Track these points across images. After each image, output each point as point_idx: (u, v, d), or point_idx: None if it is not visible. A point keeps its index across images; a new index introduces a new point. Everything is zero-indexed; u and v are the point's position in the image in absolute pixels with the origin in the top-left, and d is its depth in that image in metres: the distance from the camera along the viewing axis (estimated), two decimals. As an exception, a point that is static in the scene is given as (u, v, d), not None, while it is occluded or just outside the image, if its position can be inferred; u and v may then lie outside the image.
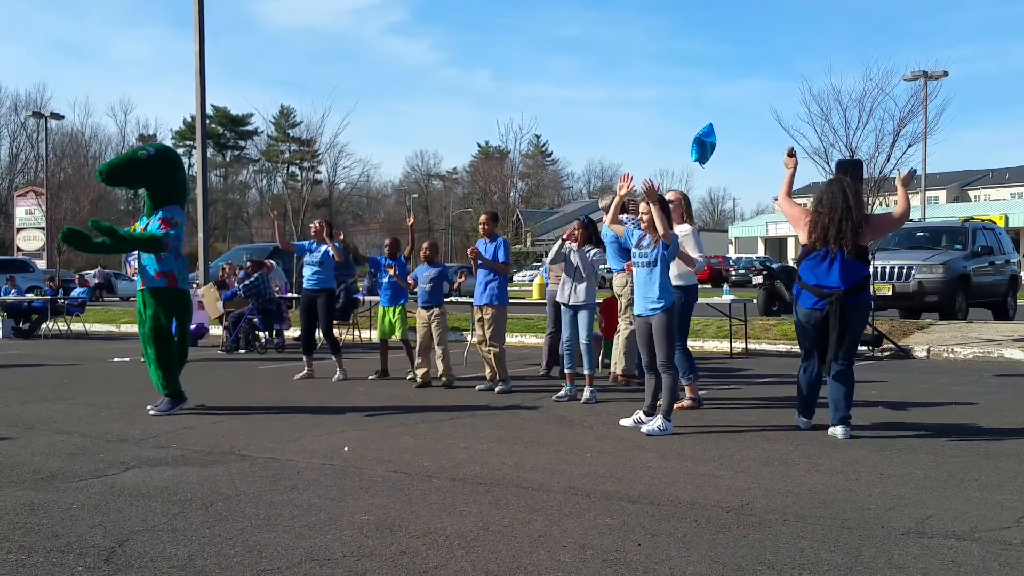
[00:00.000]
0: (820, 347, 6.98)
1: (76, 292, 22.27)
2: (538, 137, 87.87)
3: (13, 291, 21.64)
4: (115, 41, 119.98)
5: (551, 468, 5.82)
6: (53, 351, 15.80)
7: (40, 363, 13.56)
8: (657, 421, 7.06)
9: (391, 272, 10.61)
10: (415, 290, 10.63)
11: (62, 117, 50.33)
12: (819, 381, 7.16)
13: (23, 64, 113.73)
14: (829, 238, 6.78)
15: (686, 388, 8.28)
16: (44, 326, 19.86)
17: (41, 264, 40.62)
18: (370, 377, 11.02)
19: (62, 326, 20.17)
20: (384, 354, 11.24)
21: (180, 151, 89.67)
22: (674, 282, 8.17)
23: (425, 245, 10.61)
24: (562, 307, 9.37)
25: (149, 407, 8.29)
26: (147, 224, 8.36)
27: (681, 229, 8.21)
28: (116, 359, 14.04)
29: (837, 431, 6.81)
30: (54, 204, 49.09)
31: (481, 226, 10.12)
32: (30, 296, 22.03)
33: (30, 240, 45.32)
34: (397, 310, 10.98)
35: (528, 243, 67.11)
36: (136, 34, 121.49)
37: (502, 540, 4.21)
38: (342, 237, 11.49)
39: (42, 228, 45.12)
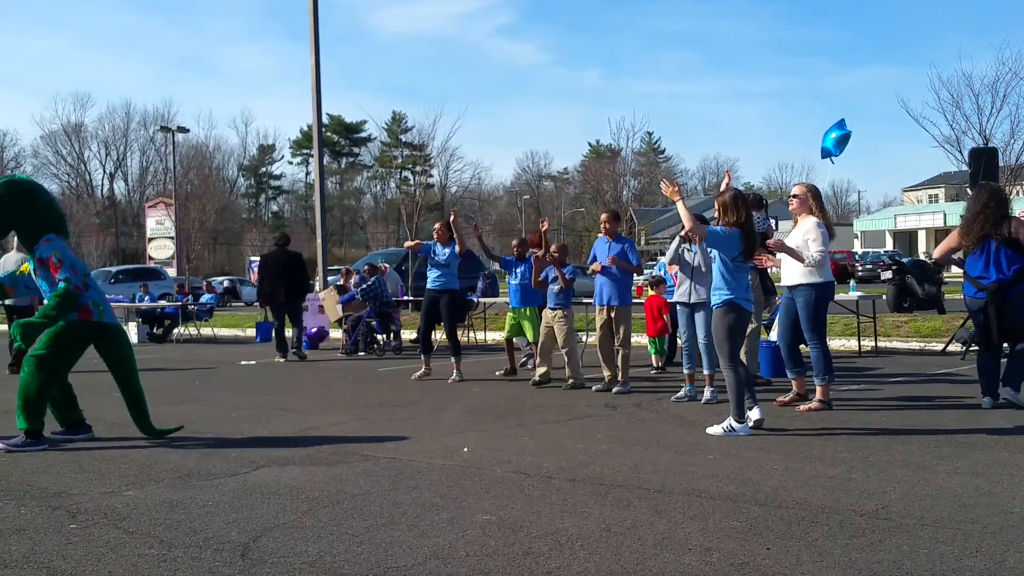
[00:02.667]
0: (986, 331, 7.81)
1: (205, 298, 23.10)
2: (650, 134, 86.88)
3: (147, 298, 22.57)
4: (235, 56, 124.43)
5: (672, 470, 5.74)
6: (184, 355, 16.42)
7: (173, 366, 14.10)
8: (723, 422, 6.94)
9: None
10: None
11: (187, 130, 52.41)
12: (991, 362, 7.87)
13: (151, 81, 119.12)
14: (979, 236, 7.73)
15: (818, 389, 8.05)
16: (176, 331, 20.62)
17: (171, 272, 42.27)
18: (497, 373, 11.17)
19: (192, 331, 20.93)
20: (511, 352, 11.37)
21: (298, 159, 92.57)
22: (805, 279, 8.01)
23: (554, 247, 10.60)
24: (678, 306, 9.25)
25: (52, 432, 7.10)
26: (34, 267, 7.03)
27: (807, 223, 8.04)
28: (243, 362, 14.49)
29: (1004, 390, 7.79)
30: (182, 214, 51.09)
31: (602, 224, 10.03)
32: (163, 303, 22.94)
33: (161, 249, 47.18)
34: (529, 311, 11.04)
35: (642, 242, 66.47)
36: (255, 48, 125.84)
37: (625, 542, 4.17)
38: (479, 233, 11.66)
39: (172, 237, 46.95)
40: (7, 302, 11.19)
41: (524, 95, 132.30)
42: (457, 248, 11.08)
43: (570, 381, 10.15)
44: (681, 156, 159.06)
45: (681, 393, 8.93)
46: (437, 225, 11.53)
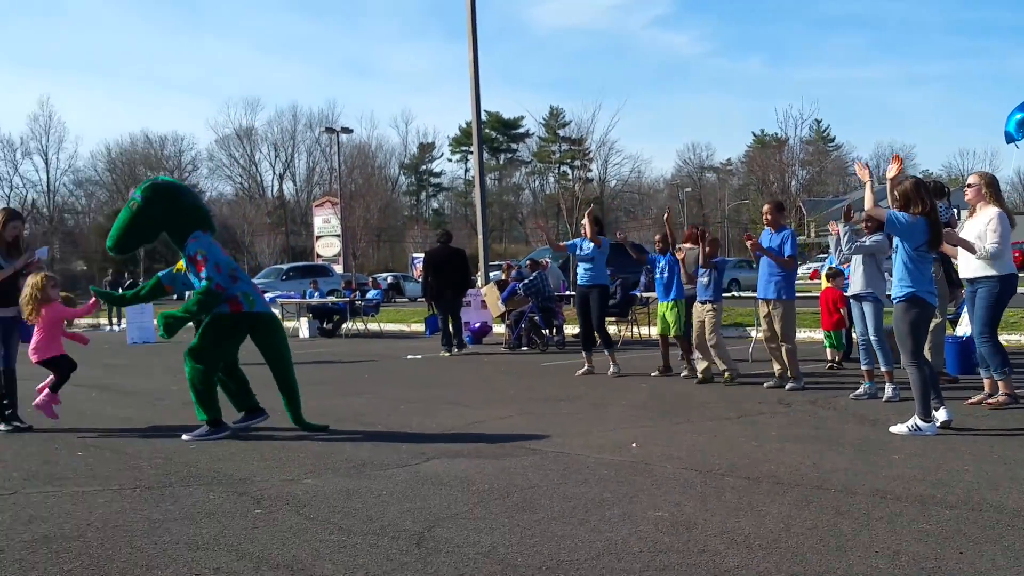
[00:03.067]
0: None
1: (371, 294, 23.77)
2: (818, 122, 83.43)
3: (316, 294, 23.43)
4: (395, 56, 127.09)
5: (854, 469, 5.49)
6: (353, 349, 16.94)
7: (343, 360, 14.57)
8: (908, 420, 6.59)
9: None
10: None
11: (351, 131, 53.82)
12: None
13: (317, 84, 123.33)
14: None
15: (1000, 384, 7.59)
16: (344, 326, 21.33)
17: (338, 268, 43.71)
18: (652, 374, 10.96)
19: (360, 326, 21.61)
20: (665, 350, 11.16)
21: (457, 157, 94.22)
22: (985, 271, 7.59)
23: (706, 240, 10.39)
24: (851, 300, 8.90)
25: (184, 435, 7.17)
26: (186, 265, 7.33)
27: (988, 213, 7.59)
28: (409, 356, 14.82)
29: None
30: (347, 212, 52.75)
31: (765, 216, 9.80)
32: (331, 299, 23.75)
33: (328, 247, 48.84)
34: (670, 305, 10.87)
35: (812, 234, 64.18)
36: (414, 48, 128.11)
37: (806, 542, 4.01)
38: (621, 236, 11.55)
39: (338, 235, 48.51)
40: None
41: (684, 85, 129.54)
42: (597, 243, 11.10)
43: (727, 375, 9.93)
44: (852, 144, 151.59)
45: (860, 390, 8.56)
46: (585, 220, 11.53)
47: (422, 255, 17.51)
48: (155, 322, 7.39)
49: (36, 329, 7.67)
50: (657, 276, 11.05)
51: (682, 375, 10.72)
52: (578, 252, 11.38)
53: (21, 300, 7.61)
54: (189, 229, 7.23)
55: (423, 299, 20.38)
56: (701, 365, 10.17)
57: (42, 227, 69.10)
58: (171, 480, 5.56)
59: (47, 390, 7.59)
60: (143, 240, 7.50)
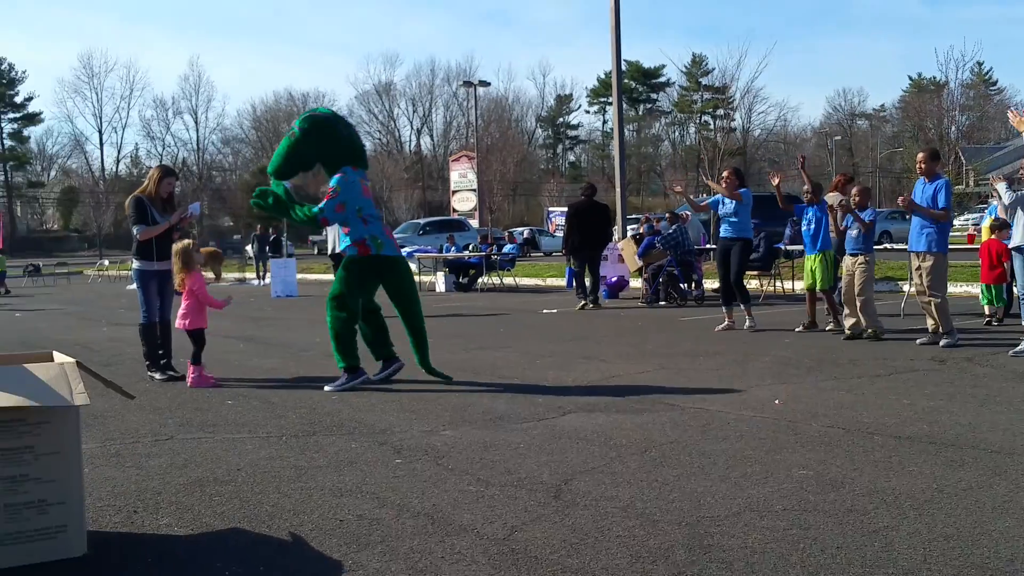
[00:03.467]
0: None
1: (507, 248, 23.94)
2: (980, 64, 78.59)
3: (453, 248, 23.72)
4: (534, 6, 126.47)
5: (1014, 429, 5.20)
6: (488, 303, 17.08)
7: (478, 314, 14.72)
8: None
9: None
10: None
11: (488, 84, 54.05)
12: None
13: (455, 37, 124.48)
14: None
15: None
16: (480, 280, 21.54)
17: (474, 223, 44.10)
18: (796, 329, 10.65)
19: (495, 280, 21.77)
20: (811, 304, 10.82)
21: (594, 108, 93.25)
22: None
23: (855, 190, 9.99)
24: (1013, 252, 8.40)
25: (326, 386, 7.34)
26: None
27: None
28: (544, 311, 14.85)
29: None
30: (484, 167, 53.05)
31: (919, 164, 9.33)
32: (467, 253, 24.02)
33: (464, 201, 49.33)
34: (817, 258, 10.50)
35: (971, 183, 60.74)
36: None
37: (960, 504, 3.82)
38: (776, 182, 11.22)
39: (474, 190, 48.92)
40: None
41: (836, 28, 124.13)
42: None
43: (869, 331, 9.55)
44: (1017, 87, 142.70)
45: (1021, 347, 8.09)
46: (724, 174, 11.27)
47: (559, 209, 17.51)
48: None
49: (183, 296, 7.78)
50: (804, 228, 10.71)
51: (827, 330, 10.38)
52: (720, 209, 11.14)
53: (173, 268, 7.85)
54: (340, 162, 7.47)
55: (561, 252, 20.34)
56: (849, 320, 9.80)
57: (192, 184, 72.27)
58: (315, 429, 5.73)
59: (191, 366, 7.67)
60: (299, 168, 7.83)
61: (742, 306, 10.97)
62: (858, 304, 9.64)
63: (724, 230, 11.15)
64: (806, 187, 10.71)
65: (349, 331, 7.39)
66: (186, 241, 7.89)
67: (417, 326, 7.60)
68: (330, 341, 7.45)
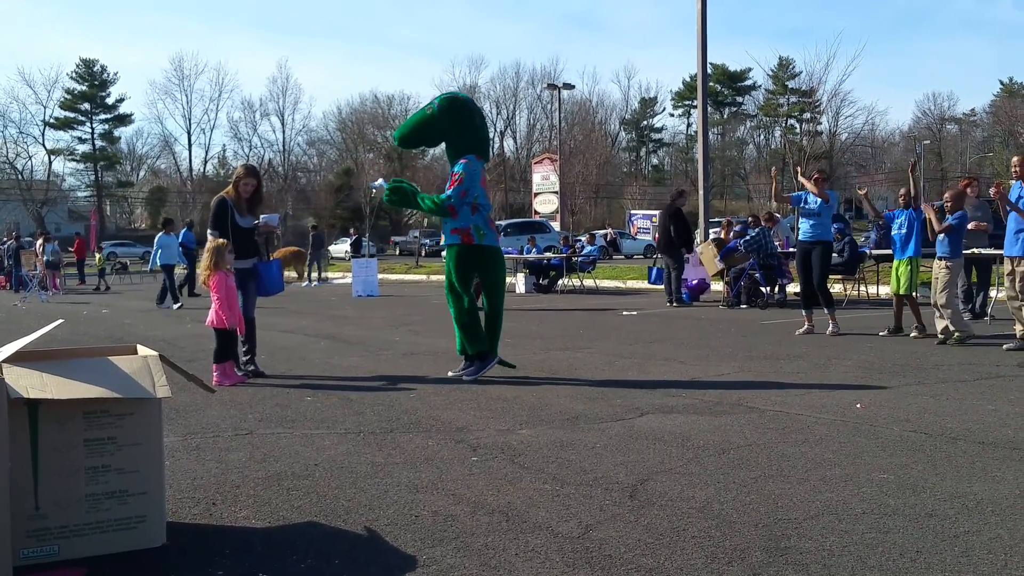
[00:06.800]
0: None
1: (587, 250, 23.87)
2: (1074, 67, 76.34)
3: (533, 250, 23.76)
4: (620, 9, 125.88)
5: (1109, 438, 5.02)
6: (569, 304, 17.07)
7: (559, 315, 14.72)
8: None
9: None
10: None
11: (572, 87, 53.84)
12: None
13: (540, 41, 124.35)
14: None
15: None
16: (560, 282, 21.53)
17: (555, 225, 44.07)
18: (880, 333, 10.42)
19: (576, 282, 21.75)
20: (898, 309, 10.61)
21: (679, 111, 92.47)
22: None
23: (947, 195, 9.83)
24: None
25: (451, 372, 7.79)
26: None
27: None
28: (624, 312, 14.79)
29: None
30: (566, 169, 52.95)
31: (1013, 168, 9.14)
32: (548, 255, 24.04)
33: (545, 203, 49.19)
34: (906, 262, 10.29)
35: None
36: (640, 1, 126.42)
37: (1048, 512, 3.71)
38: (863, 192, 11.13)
39: (556, 192, 48.84)
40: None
41: (926, 31, 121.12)
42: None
43: (956, 335, 9.32)
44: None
45: None
46: (815, 174, 11.11)
47: (641, 212, 17.68)
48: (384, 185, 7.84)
49: (212, 295, 7.70)
50: (895, 232, 10.51)
51: (912, 335, 10.16)
52: (803, 206, 10.97)
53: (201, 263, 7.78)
54: (465, 149, 7.67)
55: (640, 255, 20.36)
56: (940, 324, 9.59)
57: (277, 185, 73.59)
58: (393, 426, 5.81)
59: (214, 366, 7.62)
60: (425, 142, 8.29)
61: (825, 310, 10.79)
62: (940, 310, 9.45)
63: (803, 232, 10.99)
64: (902, 191, 10.65)
65: (472, 318, 7.68)
66: (220, 240, 7.75)
67: (496, 311, 7.83)
68: (455, 330, 7.75)
